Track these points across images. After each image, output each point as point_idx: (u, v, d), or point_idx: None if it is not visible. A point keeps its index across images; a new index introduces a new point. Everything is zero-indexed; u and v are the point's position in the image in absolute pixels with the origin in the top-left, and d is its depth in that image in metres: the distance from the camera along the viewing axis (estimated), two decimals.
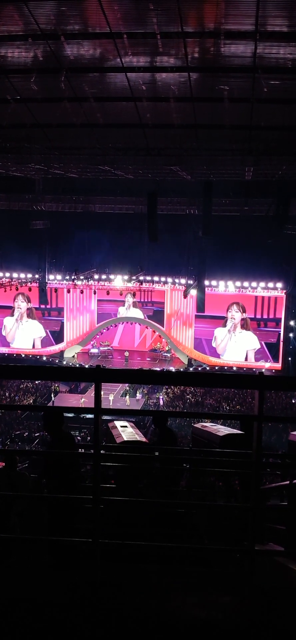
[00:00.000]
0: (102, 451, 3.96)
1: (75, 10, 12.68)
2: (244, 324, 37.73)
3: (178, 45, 13.48)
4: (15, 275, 37.78)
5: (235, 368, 37.58)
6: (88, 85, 16.11)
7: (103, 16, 12.24)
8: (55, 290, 38.69)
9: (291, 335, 37.13)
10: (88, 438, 26.11)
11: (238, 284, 36.83)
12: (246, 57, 13.42)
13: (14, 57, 14.75)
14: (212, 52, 13.73)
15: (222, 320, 37.99)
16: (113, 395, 34.29)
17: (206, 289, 36.44)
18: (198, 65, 14.54)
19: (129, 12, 12.79)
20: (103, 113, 17.85)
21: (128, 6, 12.62)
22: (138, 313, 40.77)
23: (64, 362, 39.32)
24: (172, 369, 38.48)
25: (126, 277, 36.90)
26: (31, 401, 35.06)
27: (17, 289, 37.77)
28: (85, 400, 33.07)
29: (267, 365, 37.15)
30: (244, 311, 37.49)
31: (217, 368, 37.87)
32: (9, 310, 40.08)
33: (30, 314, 39.98)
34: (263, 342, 37.69)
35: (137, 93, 15.95)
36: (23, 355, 39.95)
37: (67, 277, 37.06)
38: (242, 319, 37.62)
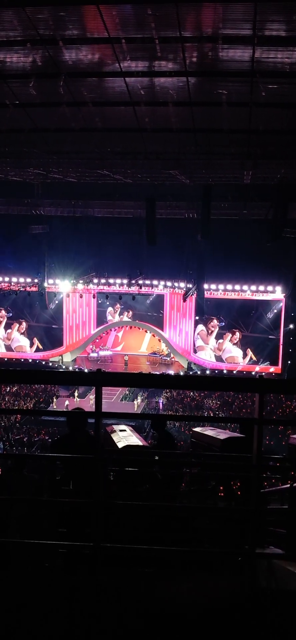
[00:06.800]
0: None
1: (73, 15, 12.69)
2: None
3: (177, 49, 13.49)
4: (14, 279, 37.85)
5: (235, 372, 37.64)
6: (86, 90, 16.12)
7: (102, 21, 12.26)
8: (55, 294, 38.70)
9: (291, 338, 37.19)
10: None
11: (237, 287, 36.89)
12: (245, 61, 13.43)
13: (12, 62, 14.76)
14: (210, 57, 13.75)
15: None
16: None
17: (205, 292, 36.49)
18: (196, 70, 14.54)
19: (127, 17, 12.80)
20: (102, 117, 17.87)
21: (127, 11, 12.63)
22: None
23: (63, 367, 39.33)
24: (172, 372, 38.50)
25: (125, 281, 36.92)
26: (31, 406, 35.10)
27: (16, 294, 37.89)
28: (68, 404, 33.33)
29: (272, 369, 37.26)
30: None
31: (216, 372, 37.92)
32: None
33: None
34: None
35: (136, 97, 15.95)
36: (22, 360, 39.96)
37: (66, 282, 37.10)
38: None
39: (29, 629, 3.01)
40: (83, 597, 3.29)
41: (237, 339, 37.93)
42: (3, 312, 40.15)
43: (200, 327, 38.70)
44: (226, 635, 3.09)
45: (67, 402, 34.27)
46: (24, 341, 40.52)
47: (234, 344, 37.99)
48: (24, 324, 40.23)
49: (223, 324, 37.96)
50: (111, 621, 3.07)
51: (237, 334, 37.85)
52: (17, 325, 40.30)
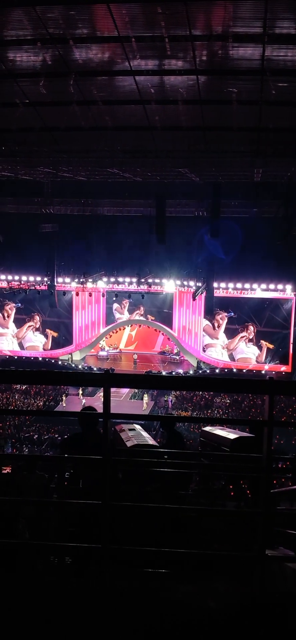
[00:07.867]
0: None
1: (83, 14, 12.69)
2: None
3: (186, 48, 13.45)
4: (24, 278, 38.01)
5: (245, 371, 37.50)
6: (96, 88, 16.12)
7: (112, 20, 12.26)
8: (64, 293, 38.82)
9: None
10: None
11: (247, 285, 36.77)
12: (255, 59, 13.37)
13: (22, 62, 14.80)
14: (220, 55, 13.69)
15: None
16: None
17: (215, 291, 36.41)
18: (206, 68, 14.51)
19: (137, 16, 12.78)
20: (112, 116, 17.86)
21: (136, 10, 12.61)
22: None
23: (73, 365, 39.43)
24: (181, 371, 38.41)
25: (134, 280, 36.94)
26: (41, 404, 35.27)
27: (26, 293, 38.06)
28: (85, 402, 33.43)
29: (283, 368, 37.06)
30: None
31: (226, 371, 37.80)
32: None
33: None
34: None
35: (146, 96, 15.93)
36: (32, 358, 40.09)
37: (76, 280, 37.21)
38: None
39: (37, 629, 3.01)
40: (90, 598, 3.28)
41: (252, 335, 37.60)
42: (12, 304, 40.18)
43: (204, 321, 38.46)
44: (235, 638, 3.07)
45: (84, 400, 34.39)
46: (37, 340, 40.59)
47: (248, 340, 37.68)
48: (36, 318, 40.26)
49: (233, 315, 37.65)
50: (118, 623, 3.06)
51: (251, 328, 37.54)
52: (30, 322, 40.34)
